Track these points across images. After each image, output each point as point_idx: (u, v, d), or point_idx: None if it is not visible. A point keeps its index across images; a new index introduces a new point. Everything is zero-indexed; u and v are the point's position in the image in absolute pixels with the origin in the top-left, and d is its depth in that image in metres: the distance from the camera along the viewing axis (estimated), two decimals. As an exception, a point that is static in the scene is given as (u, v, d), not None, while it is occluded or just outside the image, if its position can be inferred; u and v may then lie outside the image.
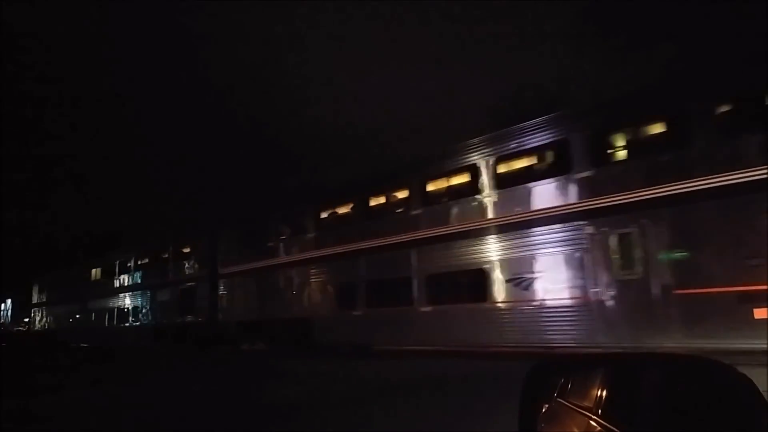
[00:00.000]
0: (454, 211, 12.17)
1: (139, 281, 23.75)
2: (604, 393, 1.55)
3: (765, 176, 7.93)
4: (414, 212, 13.00)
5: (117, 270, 25.75)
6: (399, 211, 13.64)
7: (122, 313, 24.65)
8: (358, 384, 9.04)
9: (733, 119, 8.81)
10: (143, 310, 23.13)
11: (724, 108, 8.98)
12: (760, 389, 1.10)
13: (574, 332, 9.77)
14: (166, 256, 22.13)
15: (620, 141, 10.07)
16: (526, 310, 10.53)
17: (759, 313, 7.68)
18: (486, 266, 11.24)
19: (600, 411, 1.51)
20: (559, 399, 1.76)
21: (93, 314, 27.55)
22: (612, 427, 1.40)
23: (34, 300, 36.82)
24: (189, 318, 19.85)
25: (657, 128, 9.86)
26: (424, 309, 12.42)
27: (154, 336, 21.67)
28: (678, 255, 8.78)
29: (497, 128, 11.89)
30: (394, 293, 13.02)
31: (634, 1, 26.78)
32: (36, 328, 35.90)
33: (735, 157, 8.39)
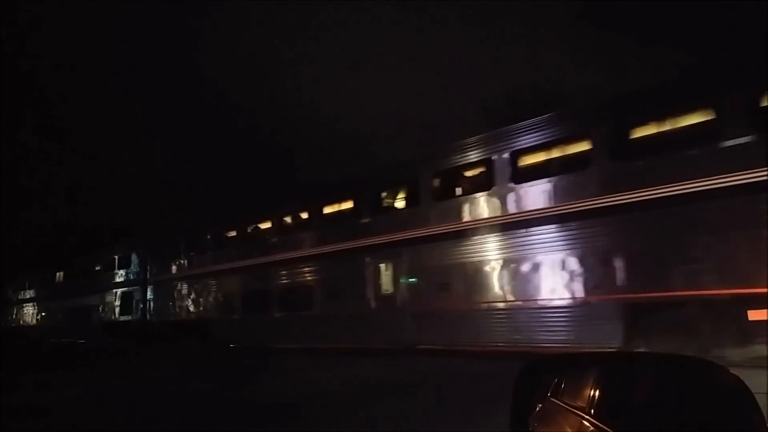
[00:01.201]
0: (293, 242, 15.86)
1: (92, 285, 26.45)
2: (597, 393, 1.54)
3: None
4: (272, 240, 16.74)
5: (74, 274, 28.91)
6: (264, 238, 17.30)
7: (79, 312, 27.33)
8: (355, 382, 9.05)
9: None
10: (95, 311, 26.01)
11: None
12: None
13: (361, 333, 13.08)
14: (114, 263, 25.03)
15: (388, 201, 13.71)
16: (332, 316, 13.97)
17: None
18: (311, 284, 14.84)
19: (593, 411, 1.51)
20: (552, 399, 1.76)
21: (56, 313, 30.41)
22: (605, 427, 1.40)
23: (9, 299, 38.74)
24: (128, 318, 23.14)
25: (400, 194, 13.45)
26: (276, 315, 15.79)
27: (103, 333, 24.16)
28: (412, 281, 12.36)
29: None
30: (260, 302, 16.41)
31: (630, 1, 26.86)
32: (6, 325, 37.69)
33: None
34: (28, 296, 35.16)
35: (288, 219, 16.64)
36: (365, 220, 13.63)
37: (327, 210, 15.34)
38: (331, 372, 11.03)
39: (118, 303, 24.01)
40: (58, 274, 30.97)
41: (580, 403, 1.59)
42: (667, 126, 9.05)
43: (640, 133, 9.32)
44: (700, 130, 8.74)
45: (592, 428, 1.45)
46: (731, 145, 8.09)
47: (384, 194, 13.73)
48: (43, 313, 32.45)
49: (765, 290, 7.38)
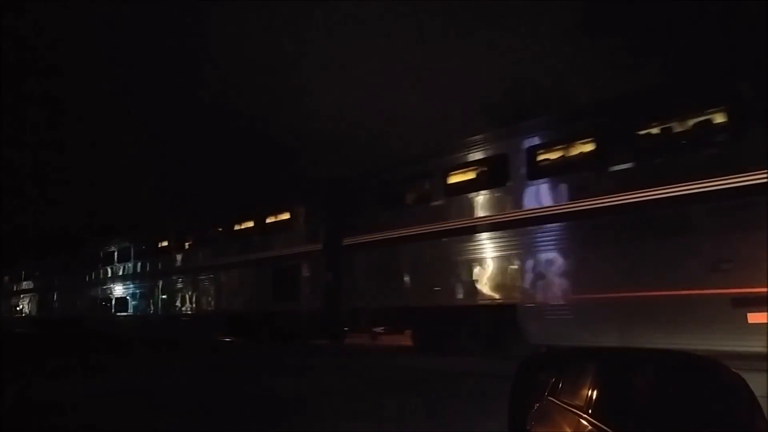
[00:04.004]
0: (118, 268, 24.28)
1: (22, 287, 35.72)
2: (596, 391, 1.52)
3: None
4: (112, 265, 24.86)
5: (20, 277, 36.43)
6: (108, 264, 25.36)
7: (19, 307, 36.19)
8: (363, 378, 9.04)
9: None
10: (29, 307, 34.57)
11: None
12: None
13: (146, 329, 20.65)
14: (44, 270, 32.79)
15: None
16: (141, 319, 21.88)
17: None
18: (126, 295, 23.26)
19: (591, 409, 1.49)
20: (549, 397, 1.74)
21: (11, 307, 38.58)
22: (603, 426, 1.38)
23: None
24: (43, 314, 31.40)
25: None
26: (120, 314, 23.59)
27: (32, 324, 31.79)
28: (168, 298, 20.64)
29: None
30: (104, 306, 24.95)
31: (632, 1, 26.86)
32: None
33: None
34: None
35: (114, 252, 24.52)
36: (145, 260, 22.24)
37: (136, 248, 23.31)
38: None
39: (40, 302, 32.43)
40: (5, 278, 38.47)
41: (578, 402, 1.57)
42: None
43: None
44: None
45: (590, 428, 1.43)
46: None
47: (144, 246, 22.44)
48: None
49: None
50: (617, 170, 8.72)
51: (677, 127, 8.68)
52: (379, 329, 12.98)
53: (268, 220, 16.17)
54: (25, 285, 34.77)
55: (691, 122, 8.43)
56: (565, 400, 1.66)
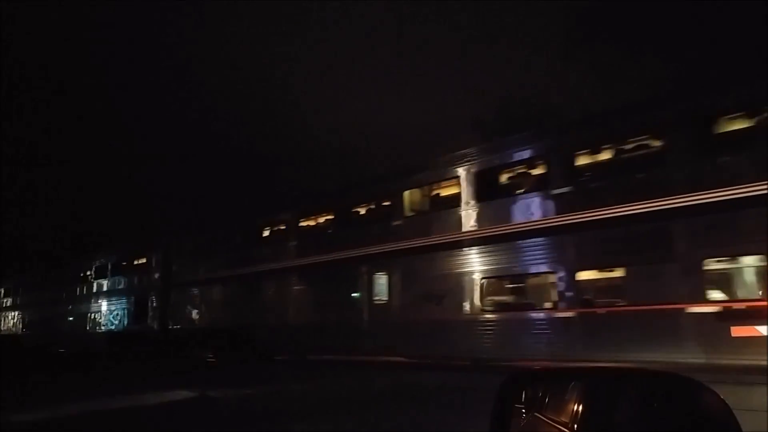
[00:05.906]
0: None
1: None
2: (581, 408, 1.53)
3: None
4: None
5: None
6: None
7: None
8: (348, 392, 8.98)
9: None
10: None
11: None
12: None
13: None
14: None
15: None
16: (53, 336, 26.58)
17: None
18: (43, 317, 29.24)
19: (576, 426, 1.49)
20: (536, 413, 1.74)
21: None
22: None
23: None
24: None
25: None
26: (37, 332, 28.13)
27: None
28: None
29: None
30: (28, 325, 30.62)
31: (622, 14, 27.26)
32: None
33: None
34: None
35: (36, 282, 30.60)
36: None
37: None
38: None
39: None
40: None
41: (563, 419, 1.58)
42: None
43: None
44: None
45: (574, 444, 1.44)
46: None
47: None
48: None
49: None
50: None
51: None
52: (190, 344, 17.98)
53: (135, 262, 22.47)
54: None
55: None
56: (551, 417, 1.66)
